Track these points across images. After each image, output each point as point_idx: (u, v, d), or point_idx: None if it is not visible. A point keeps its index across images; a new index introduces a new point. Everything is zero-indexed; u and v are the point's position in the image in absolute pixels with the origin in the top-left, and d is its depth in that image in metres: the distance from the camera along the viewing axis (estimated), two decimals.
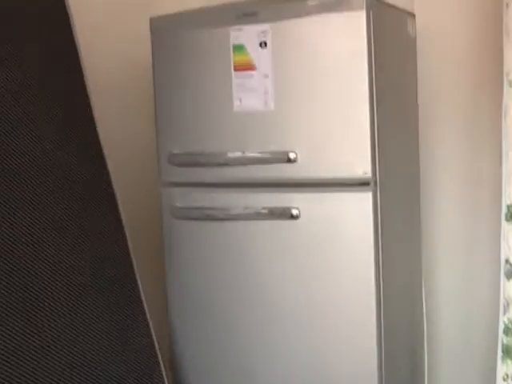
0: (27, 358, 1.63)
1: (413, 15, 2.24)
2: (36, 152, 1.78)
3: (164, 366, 2.07)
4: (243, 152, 1.95)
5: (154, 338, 2.05)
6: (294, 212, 1.91)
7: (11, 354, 1.58)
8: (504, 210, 1.97)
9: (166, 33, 2.02)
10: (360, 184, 1.87)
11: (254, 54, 1.90)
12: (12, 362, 1.59)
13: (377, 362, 1.93)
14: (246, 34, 1.91)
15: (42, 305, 1.68)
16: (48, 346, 1.69)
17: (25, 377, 1.61)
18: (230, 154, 1.97)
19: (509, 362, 2.01)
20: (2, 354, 1.57)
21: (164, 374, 2.06)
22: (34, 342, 1.65)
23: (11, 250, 1.67)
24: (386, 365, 1.96)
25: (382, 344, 1.94)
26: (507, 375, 2.03)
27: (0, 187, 1.67)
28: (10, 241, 1.67)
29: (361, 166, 1.84)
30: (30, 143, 1.78)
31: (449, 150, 2.32)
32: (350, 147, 1.86)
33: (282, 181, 1.94)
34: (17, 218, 1.69)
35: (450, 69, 2.31)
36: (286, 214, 1.91)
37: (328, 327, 1.95)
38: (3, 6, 1.85)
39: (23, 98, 1.83)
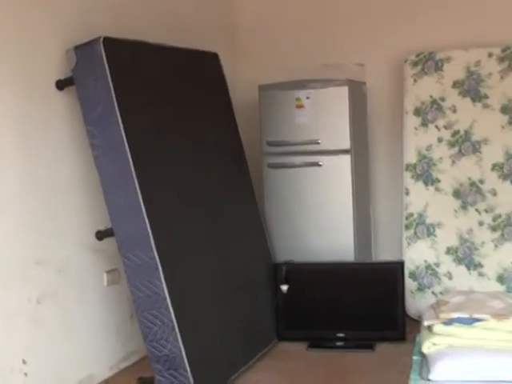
0: None
1: (365, 83, 5.16)
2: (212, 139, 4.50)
3: None
4: (298, 139, 4.84)
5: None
6: (320, 163, 4.80)
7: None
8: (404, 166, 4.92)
9: (268, 92, 4.88)
10: (346, 152, 4.78)
11: (304, 101, 4.79)
12: None
13: (352, 237, 4.80)
14: (301, 93, 4.80)
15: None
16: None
17: None
18: (294, 141, 4.84)
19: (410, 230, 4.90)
20: None
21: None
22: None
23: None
24: (357, 239, 4.84)
25: (355, 229, 4.80)
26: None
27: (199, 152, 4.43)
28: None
29: (346, 143, 4.76)
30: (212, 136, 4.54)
31: (380, 140, 5.27)
32: (341, 138, 4.77)
33: (315, 151, 4.82)
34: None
35: (380, 108, 5.26)
36: (317, 165, 4.81)
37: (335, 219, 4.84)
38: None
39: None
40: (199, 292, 3.84)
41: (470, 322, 3.99)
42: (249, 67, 5.44)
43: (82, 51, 3.65)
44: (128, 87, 3.69)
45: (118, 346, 4.14)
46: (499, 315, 4.00)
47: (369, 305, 4.50)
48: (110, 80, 3.58)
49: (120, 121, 3.58)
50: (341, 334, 4.49)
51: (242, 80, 5.33)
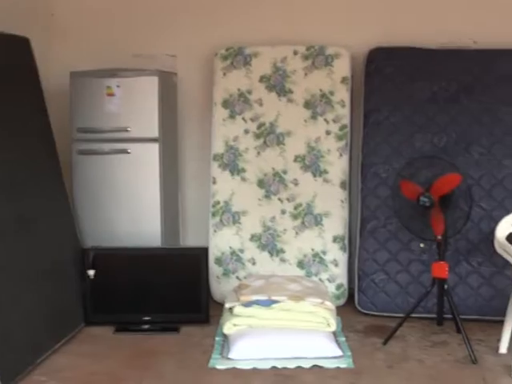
0: None
1: (176, 73, 5.29)
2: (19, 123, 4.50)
3: None
4: (107, 126, 4.90)
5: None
6: (129, 151, 4.89)
7: None
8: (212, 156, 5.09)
9: (80, 79, 4.92)
10: (154, 140, 4.89)
11: (114, 89, 4.87)
12: None
13: (160, 223, 4.94)
14: (112, 81, 4.87)
15: None
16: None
17: None
18: (104, 128, 4.90)
19: (216, 217, 5.08)
20: None
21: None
22: None
23: None
24: (164, 226, 4.97)
25: (163, 216, 4.93)
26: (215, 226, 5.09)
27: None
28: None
29: (154, 132, 4.87)
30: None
31: (190, 130, 5.43)
32: (150, 126, 4.89)
33: (124, 138, 4.90)
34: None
35: (191, 98, 5.41)
36: (126, 152, 4.89)
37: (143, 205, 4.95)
38: None
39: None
40: (2, 275, 3.83)
41: (269, 303, 4.23)
42: (63, 54, 5.40)
43: None
44: None
45: None
46: (296, 297, 4.26)
47: (174, 289, 4.64)
48: None
49: None
50: (147, 318, 4.60)
51: (56, 66, 5.27)
